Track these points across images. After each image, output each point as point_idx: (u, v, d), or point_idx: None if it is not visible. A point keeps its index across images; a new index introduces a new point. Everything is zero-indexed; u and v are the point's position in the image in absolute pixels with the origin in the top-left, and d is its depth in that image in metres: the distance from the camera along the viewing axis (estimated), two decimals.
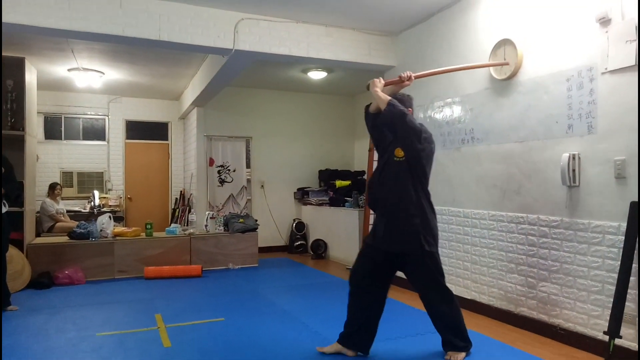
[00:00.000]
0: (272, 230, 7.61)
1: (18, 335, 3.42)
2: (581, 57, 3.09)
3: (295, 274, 5.94)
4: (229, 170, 7.54)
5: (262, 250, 6.78)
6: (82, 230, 5.44)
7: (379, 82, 2.92)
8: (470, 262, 4.02)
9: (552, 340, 3.23)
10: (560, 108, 3.23)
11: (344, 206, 6.63)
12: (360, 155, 8.02)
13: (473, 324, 3.62)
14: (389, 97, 2.81)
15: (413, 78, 3.02)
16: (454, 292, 4.09)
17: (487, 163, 3.86)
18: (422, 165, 2.78)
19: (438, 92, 4.43)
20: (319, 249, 7.00)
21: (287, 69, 6.30)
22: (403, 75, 3.00)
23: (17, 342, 3.26)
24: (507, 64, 3.61)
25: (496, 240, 3.75)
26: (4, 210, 4.05)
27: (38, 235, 6.01)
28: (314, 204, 7.43)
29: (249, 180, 7.63)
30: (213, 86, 5.97)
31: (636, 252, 2.68)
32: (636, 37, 2.72)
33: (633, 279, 2.70)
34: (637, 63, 2.73)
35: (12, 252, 4.54)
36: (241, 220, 6.34)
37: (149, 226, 5.84)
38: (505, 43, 3.64)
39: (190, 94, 7.13)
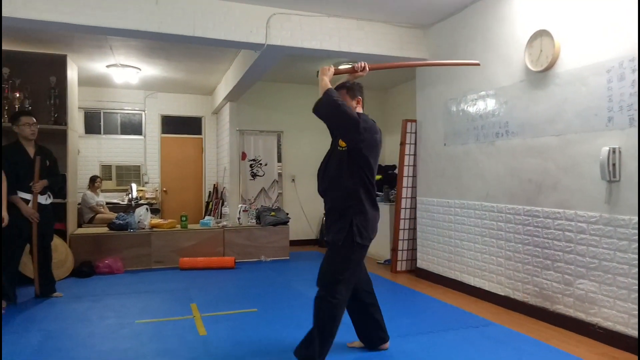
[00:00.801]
0: (303, 223, 7.68)
1: (63, 320, 3.59)
2: (623, 47, 2.98)
3: None
4: (260, 164, 7.64)
5: (293, 243, 6.85)
6: (121, 222, 5.64)
7: (329, 70, 2.75)
8: (504, 257, 3.95)
9: (590, 339, 3.16)
10: (599, 100, 3.13)
11: None
12: (391, 149, 7.96)
13: (507, 320, 3.58)
14: (329, 86, 2.65)
15: (367, 69, 2.89)
16: (487, 289, 4.09)
17: (522, 157, 3.78)
18: (364, 156, 2.59)
19: (471, 85, 4.36)
20: None
21: (318, 63, 6.30)
22: (357, 65, 2.87)
23: (62, 326, 3.43)
24: (477, 64, 3.60)
25: (531, 236, 3.67)
26: (48, 201, 4.25)
27: (80, 226, 6.27)
28: None
29: (280, 174, 7.71)
30: (245, 81, 6.05)
31: None
32: None
33: None
34: None
35: (57, 242, 4.75)
36: (273, 213, 6.43)
37: (184, 218, 5.99)
38: (541, 34, 3.55)
39: (223, 89, 7.24)
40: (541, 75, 3.58)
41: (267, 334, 3.29)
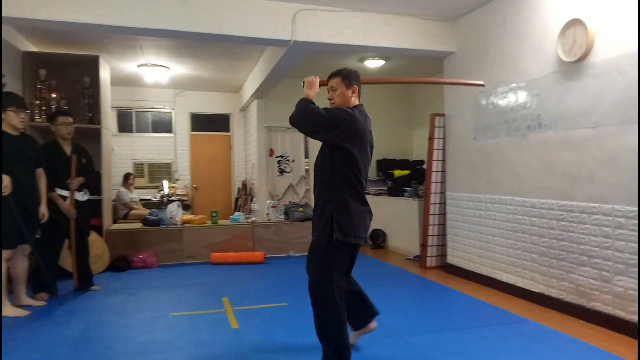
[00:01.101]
0: None
1: (101, 312, 3.72)
2: None
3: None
4: (288, 160, 7.69)
5: None
6: (154, 218, 5.79)
7: (314, 83, 2.64)
8: (538, 253, 3.87)
9: (630, 337, 3.06)
10: (637, 90, 3.01)
11: (402, 196, 6.57)
12: (419, 144, 7.90)
13: (541, 317, 3.51)
14: (306, 98, 2.57)
15: None
16: (520, 285, 4.02)
17: (556, 150, 3.69)
18: (346, 149, 2.43)
19: (501, 78, 4.27)
20: (378, 239, 6.99)
21: (344, 58, 6.30)
22: None
23: (101, 318, 3.56)
24: (482, 84, 3.52)
25: (566, 231, 3.58)
26: (85, 198, 4.40)
27: (114, 222, 6.46)
28: (371, 194, 7.41)
29: (307, 170, 7.75)
30: (272, 78, 6.09)
31: None
32: None
33: None
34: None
35: (93, 237, 4.91)
36: (300, 209, 6.46)
37: (214, 214, 6.10)
38: (574, 23, 3.44)
39: (250, 86, 7.32)
40: (575, 65, 3.48)
41: (297, 328, 3.32)
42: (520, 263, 4.06)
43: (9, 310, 3.55)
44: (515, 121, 4.12)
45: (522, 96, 4.04)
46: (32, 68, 5.20)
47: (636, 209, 3.04)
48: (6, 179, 3.41)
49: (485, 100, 4.51)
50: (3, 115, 3.56)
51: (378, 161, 7.86)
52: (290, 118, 2.54)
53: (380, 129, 7.94)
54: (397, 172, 7.18)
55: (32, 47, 5.48)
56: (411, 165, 7.41)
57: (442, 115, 5.30)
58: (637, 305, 3.05)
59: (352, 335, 2.84)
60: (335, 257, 2.47)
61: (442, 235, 5.40)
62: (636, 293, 3.05)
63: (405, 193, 6.52)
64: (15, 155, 3.55)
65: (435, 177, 5.38)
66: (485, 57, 4.49)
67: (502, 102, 4.29)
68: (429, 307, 3.86)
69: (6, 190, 3.41)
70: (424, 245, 5.47)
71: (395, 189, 6.86)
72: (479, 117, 4.62)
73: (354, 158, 2.46)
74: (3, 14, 3.75)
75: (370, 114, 8.54)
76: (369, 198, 7.62)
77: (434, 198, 5.41)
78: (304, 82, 2.65)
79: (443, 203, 5.35)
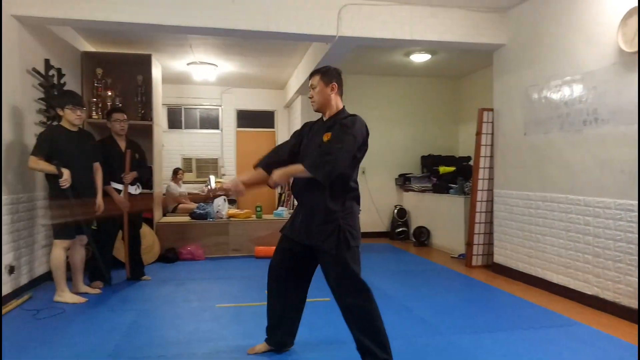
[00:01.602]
0: (373, 215, 7.65)
1: (152, 301, 3.88)
2: None
3: (397, 260, 5.93)
4: None
5: (363, 235, 6.72)
6: (201, 211, 5.96)
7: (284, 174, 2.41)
8: (592, 254, 3.69)
9: None
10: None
11: (448, 193, 6.44)
12: (465, 139, 7.70)
13: (594, 320, 3.35)
14: (293, 169, 2.39)
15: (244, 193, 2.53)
16: (572, 287, 3.85)
17: (614, 146, 3.49)
18: (354, 156, 2.39)
19: (555, 71, 4.09)
20: (422, 236, 6.89)
21: (389, 53, 6.24)
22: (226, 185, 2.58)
23: (152, 307, 3.71)
24: None
25: (624, 231, 3.40)
26: (138, 191, 4.59)
27: (164, 215, 6.70)
28: (416, 191, 7.31)
29: None
30: None
31: None
32: None
33: None
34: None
35: (145, 229, 5.13)
36: None
37: (258, 209, 6.21)
38: (636, 11, 3.24)
39: (295, 82, 7.37)
40: (637, 56, 3.28)
41: (340, 322, 3.28)
42: (573, 264, 3.89)
43: (68, 297, 3.76)
44: (569, 116, 3.94)
45: (577, 89, 3.86)
46: (90, 67, 5.48)
47: None
48: (66, 173, 3.62)
49: (537, 94, 4.33)
50: (62, 113, 3.77)
51: (422, 157, 7.73)
52: (323, 177, 2.27)
53: (425, 124, 7.84)
54: (443, 169, 7.03)
55: (90, 48, 5.76)
56: (457, 162, 7.24)
57: (491, 110, 5.14)
58: None
59: (261, 346, 2.76)
60: (358, 259, 2.45)
61: (489, 233, 5.25)
62: None
63: (451, 190, 6.39)
64: (74, 151, 3.75)
65: (482, 173, 5.23)
66: (537, 49, 4.31)
67: (555, 96, 4.11)
68: (474, 306, 3.77)
69: (65, 184, 3.62)
70: (469, 244, 5.35)
71: (441, 186, 6.73)
72: (530, 112, 4.45)
73: (357, 162, 2.45)
74: (65, 17, 3.97)
75: (417, 109, 8.46)
76: (412, 194, 7.57)
77: (481, 195, 5.26)
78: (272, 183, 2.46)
79: (490, 200, 5.20)
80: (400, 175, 7.72)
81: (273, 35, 4.46)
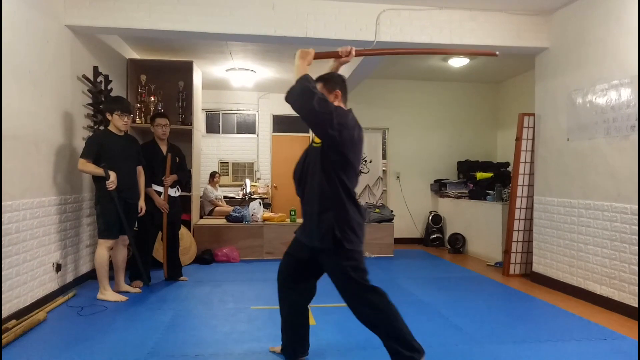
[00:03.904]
0: (408, 221, 7.58)
1: (189, 301, 3.98)
2: None
3: (432, 266, 5.85)
4: (365, 161, 7.68)
5: (397, 241, 6.80)
6: (237, 214, 6.07)
7: (308, 54, 2.42)
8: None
9: None
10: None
11: (485, 199, 6.31)
12: (504, 145, 7.53)
13: None
14: (305, 72, 2.32)
15: (354, 54, 2.52)
16: (617, 299, 3.70)
17: None
18: (342, 154, 2.27)
19: (602, 74, 3.96)
20: (457, 243, 6.77)
21: (427, 57, 6.19)
22: (341, 49, 2.52)
23: (189, 307, 3.80)
24: (495, 54, 2.87)
25: None
26: (177, 194, 4.72)
27: (201, 217, 6.86)
28: (451, 197, 7.20)
29: (384, 171, 7.70)
30: (352, 79, 6.13)
31: None
32: None
33: None
34: None
35: (183, 231, 5.26)
36: (377, 210, 6.44)
37: (292, 212, 6.26)
38: None
39: None
40: None
41: None
42: (618, 275, 3.73)
43: (110, 295, 3.91)
44: (616, 121, 3.80)
45: (625, 94, 3.72)
46: (135, 74, 5.70)
47: None
48: (112, 175, 3.78)
49: (581, 98, 4.20)
50: (110, 118, 3.94)
51: (459, 163, 7.61)
52: (288, 95, 2.29)
53: (462, 129, 7.72)
54: (480, 175, 6.91)
55: (135, 55, 5.99)
56: (495, 168, 7.09)
57: (532, 114, 5.02)
58: None
59: (278, 348, 2.76)
60: (357, 262, 2.36)
61: (528, 241, 5.11)
62: None
63: (488, 196, 6.25)
64: (120, 154, 3.91)
65: (522, 180, 5.10)
66: (583, 52, 4.18)
67: (601, 101, 3.97)
68: (511, 315, 3.67)
69: (112, 185, 3.78)
70: (507, 252, 5.21)
71: (477, 192, 6.60)
72: (573, 117, 4.31)
73: (349, 165, 2.32)
74: (114, 26, 4.16)
75: (454, 114, 8.37)
76: (447, 200, 7.47)
77: (520, 202, 5.13)
78: (295, 54, 2.44)
79: (530, 208, 5.06)
80: (436, 181, 7.62)
81: (311, 41, 4.50)
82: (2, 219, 3.13)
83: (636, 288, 3.56)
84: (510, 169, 6.73)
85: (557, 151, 4.55)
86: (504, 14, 4.56)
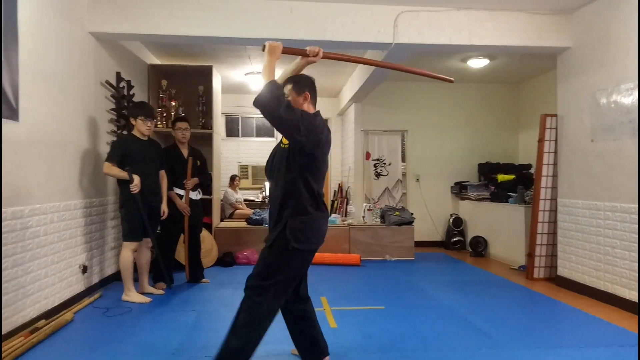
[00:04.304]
0: (428, 224, 7.52)
1: (211, 303, 4.01)
2: None
3: (453, 270, 5.79)
4: (384, 163, 7.66)
5: (418, 244, 6.74)
6: (257, 217, 6.11)
7: (277, 48, 2.41)
8: None
9: None
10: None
11: (507, 202, 6.22)
12: (525, 146, 7.42)
13: None
14: (272, 77, 2.34)
15: (321, 55, 2.52)
16: None
17: None
18: (308, 156, 2.30)
19: (627, 73, 3.87)
20: (479, 246, 6.69)
21: (446, 59, 6.14)
22: (309, 48, 2.51)
23: (211, 309, 3.84)
24: (451, 80, 2.88)
25: None
26: (198, 197, 4.78)
27: (222, 220, 6.92)
28: (472, 199, 7.12)
29: (404, 174, 7.65)
30: (371, 82, 6.12)
31: None
32: None
33: None
34: None
35: (204, 234, 5.31)
36: (397, 213, 6.41)
37: None
38: None
39: (349, 90, 7.42)
40: None
41: (394, 331, 3.30)
42: None
43: (135, 297, 3.97)
44: None
45: None
46: (156, 79, 5.79)
47: None
48: (136, 179, 3.85)
49: (605, 98, 4.12)
50: (134, 122, 4.02)
51: (480, 165, 7.52)
52: (257, 100, 2.27)
53: (482, 131, 7.63)
54: (501, 177, 6.81)
55: (156, 60, 6.09)
56: (517, 170, 6.98)
57: (554, 115, 4.93)
58: None
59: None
60: (289, 263, 2.34)
61: (552, 244, 5.02)
62: None
63: (510, 199, 6.16)
64: (143, 158, 3.98)
65: (545, 182, 5.02)
66: (607, 51, 4.10)
67: (626, 100, 3.88)
68: (536, 320, 3.60)
69: (135, 189, 3.85)
70: (531, 255, 5.13)
71: (499, 195, 6.51)
72: (598, 117, 4.22)
73: (314, 166, 2.34)
74: (136, 32, 4.24)
75: (474, 116, 8.27)
76: (468, 203, 7.37)
77: (544, 205, 5.04)
78: (264, 46, 2.43)
79: (554, 210, 4.97)
80: (456, 184, 7.55)
81: (330, 44, 4.52)
82: (31, 222, 3.21)
83: None
84: (532, 170, 6.62)
85: (581, 152, 4.47)
86: (525, 14, 4.50)
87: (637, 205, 3.76)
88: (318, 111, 2.45)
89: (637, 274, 3.75)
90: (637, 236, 3.74)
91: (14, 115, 2.96)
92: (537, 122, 5.16)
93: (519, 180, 6.53)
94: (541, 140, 4.99)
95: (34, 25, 3.24)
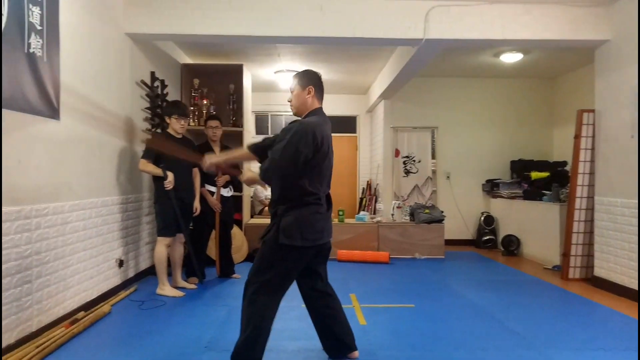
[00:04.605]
0: (458, 222, 7.41)
1: (240, 299, 4.07)
2: None
3: (485, 269, 5.69)
4: (414, 161, 7.59)
5: (448, 242, 6.66)
6: None
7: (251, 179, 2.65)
8: None
9: None
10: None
11: (540, 200, 6.07)
12: (560, 143, 7.21)
13: None
14: (243, 151, 2.69)
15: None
16: None
17: None
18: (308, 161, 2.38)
19: None
20: (511, 245, 6.55)
21: (477, 54, 6.03)
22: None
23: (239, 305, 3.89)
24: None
25: None
26: (229, 194, 4.86)
27: (252, 216, 7.01)
28: (504, 197, 6.98)
29: (434, 171, 7.57)
30: (400, 78, 6.07)
31: None
32: None
33: None
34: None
35: (235, 230, 5.40)
36: (427, 210, 6.34)
37: (341, 213, 6.28)
38: None
39: (378, 87, 7.38)
40: None
41: (425, 329, 3.28)
42: None
43: (169, 291, 4.08)
44: None
45: None
46: (188, 78, 5.91)
47: None
48: (170, 176, 3.95)
49: None
50: (169, 121, 4.12)
51: (512, 162, 7.36)
52: (265, 175, 2.41)
53: (515, 127, 7.47)
54: (535, 174, 6.65)
55: (188, 60, 6.22)
56: (551, 167, 6.80)
57: (592, 111, 4.78)
58: None
59: None
60: (281, 259, 2.42)
61: (589, 244, 4.87)
62: None
63: (544, 197, 6.01)
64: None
65: (581, 180, 4.87)
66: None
67: None
68: (572, 321, 3.51)
69: (169, 185, 3.95)
70: (566, 255, 4.99)
71: (532, 193, 6.36)
72: (638, 112, 4.07)
73: (311, 165, 2.39)
74: (170, 32, 4.34)
75: (506, 112, 8.09)
76: (500, 201, 7.22)
77: (580, 203, 4.90)
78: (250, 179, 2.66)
79: (590, 209, 4.83)
80: (488, 181, 7.41)
81: (359, 41, 4.51)
82: (71, 217, 3.34)
83: None
84: (568, 168, 6.44)
85: (620, 149, 4.32)
86: (561, 6, 4.38)
87: None
88: (319, 108, 2.56)
89: None
90: None
91: (55, 114, 3.08)
92: (572, 118, 5.01)
93: (553, 177, 6.37)
94: (577, 137, 4.84)
95: (73, 28, 3.36)
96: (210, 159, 2.70)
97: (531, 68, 6.71)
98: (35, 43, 2.82)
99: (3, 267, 2.60)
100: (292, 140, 2.33)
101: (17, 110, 2.68)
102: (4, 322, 2.62)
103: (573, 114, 5.01)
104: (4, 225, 2.59)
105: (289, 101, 2.64)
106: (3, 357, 2.54)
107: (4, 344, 2.61)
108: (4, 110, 2.57)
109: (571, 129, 5.02)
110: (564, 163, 6.73)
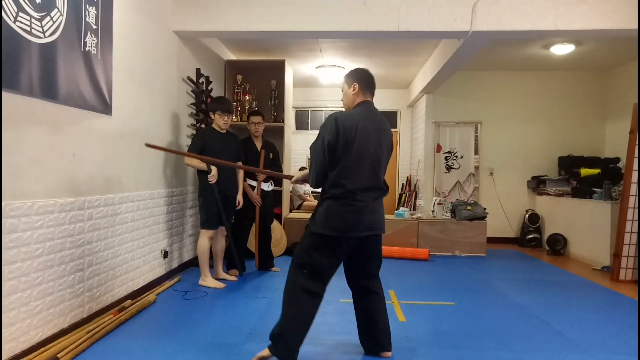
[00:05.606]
0: (501, 220, 7.21)
1: (281, 291, 4.00)
2: None
3: (528, 268, 5.52)
4: (456, 156, 7.44)
5: (490, 240, 6.50)
6: None
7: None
8: None
9: None
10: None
11: (590, 197, 5.82)
12: (613, 138, 6.87)
13: None
14: (297, 176, 2.91)
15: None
16: None
17: None
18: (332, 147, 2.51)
19: None
20: (557, 245, 6.32)
21: (525, 46, 5.82)
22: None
23: (280, 296, 3.87)
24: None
25: None
26: (270, 188, 4.92)
27: (290, 211, 7.08)
28: (551, 194, 6.73)
29: (476, 167, 7.39)
30: (444, 72, 5.95)
31: None
32: None
33: None
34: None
35: (274, 224, 5.47)
36: (469, 207, 6.21)
37: None
38: None
39: (420, 81, 7.26)
40: None
41: (466, 328, 3.23)
42: None
43: (210, 282, 4.18)
44: None
45: None
46: (232, 74, 6.02)
47: None
48: (214, 170, 4.04)
49: None
50: (213, 117, 4.22)
51: (560, 158, 7.07)
52: (315, 185, 2.60)
53: (563, 122, 7.18)
54: (584, 171, 6.37)
55: (232, 56, 6.33)
56: (602, 163, 6.50)
57: None
58: None
59: None
60: (314, 246, 2.55)
61: None
62: None
63: (594, 195, 5.76)
64: (221, 150, 4.16)
65: (636, 177, 4.63)
66: None
67: None
68: (623, 324, 3.35)
69: (213, 179, 4.04)
70: (617, 255, 4.77)
71: (581, 190, 6.11)
72: None
73: (337, 159, 2.49)
74: (216, 29, 4.43)
75: (554, 106, 7.80)
76: (546, 198, 6.98)
77: (633, 201, 4.66)
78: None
79: None
80: (534, 178, 7.16)
81: (404, 35, 4.44)
82: (120, 209, 3.49)
83: None
84: (621, 164, 6.13)
85: None
86: None
87: None
88: (364, 101, 2.66)
89: None
90: None
91: (107, 110, 3.21)
92: (628, 112, 4.77)
93: (604, 174, 6.08)
94: (633, 132, 4.60)
95: (125, 26, 3.49)
96: (296, 176, 2.92)
97: (583, 60, 6.42)
98: (91, 42, 2.95)
99: (58, 255, 2.74)
100: (320, 131, 2.56)
101: (73, 106, 2.82)
102: (59, 307, 2.77)
103: (628, 108, 4.77)
104: (59, 215, 2.73)
105: (341, 100, 2.79)
106: (58, 340, 2.69)
107: (58, 329, 2.76)
108: (61, 106, 2.71)
109: (625, 123, 4.78)
110: (617, 160, 6.41)
